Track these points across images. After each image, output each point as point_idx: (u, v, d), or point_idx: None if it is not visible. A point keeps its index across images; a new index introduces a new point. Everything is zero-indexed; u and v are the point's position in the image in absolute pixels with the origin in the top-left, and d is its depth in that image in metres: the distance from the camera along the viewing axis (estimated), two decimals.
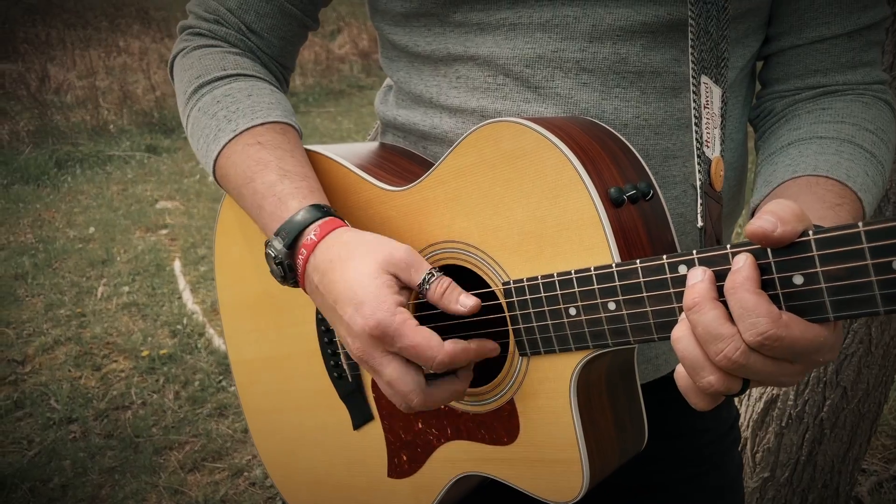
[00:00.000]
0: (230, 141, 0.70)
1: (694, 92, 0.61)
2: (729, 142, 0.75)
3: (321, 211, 0.64)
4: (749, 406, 1.46)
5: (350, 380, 0.76)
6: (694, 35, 0.62)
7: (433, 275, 0.60)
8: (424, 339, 0.58)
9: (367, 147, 0.79)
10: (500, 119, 0.61)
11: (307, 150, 0.74)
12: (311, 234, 0.63)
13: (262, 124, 0.71)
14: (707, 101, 0.62)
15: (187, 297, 3.26)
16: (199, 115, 0.73)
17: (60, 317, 3.14)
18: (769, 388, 1.43)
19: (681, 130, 0.71)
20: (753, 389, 1.48)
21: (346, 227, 0.64)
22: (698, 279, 0.48)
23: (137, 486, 2.15)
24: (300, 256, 0.64)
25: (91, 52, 8.13)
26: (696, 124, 0.61)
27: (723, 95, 0.64)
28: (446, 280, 0.61)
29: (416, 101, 0.77)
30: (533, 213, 0.60)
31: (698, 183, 0.62)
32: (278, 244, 0.64)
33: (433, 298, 0.60)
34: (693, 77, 0.62)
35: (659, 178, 0.71)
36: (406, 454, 0.73)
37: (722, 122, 0.63)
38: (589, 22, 0.66)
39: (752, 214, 0.68)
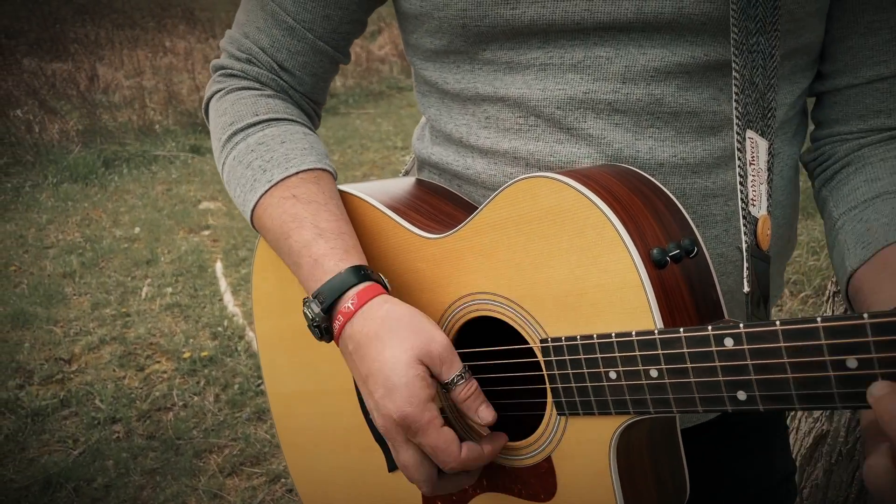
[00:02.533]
0: (265, 193, 0.70)
1: (739, 149, 0.59)
2: (777, 180, 0.72)
3: (358, 275, 0.64)
4: (797, 441, 1.42)
5: None
6: (738, 87, 0.59)
7: (462, 376, 0.61)
8: (444, 442, 0.59)
9: (403, 185, 0.79)
10: (538, 175, 0.60)
11: (342, 192, 0.74)
12: (348, 303, 0.63)
13: (297, 174, 0.71)
14: (753, 156, 0.60)
15: (228, 299, 3.31)
16: (234, 164, 0.74)
17: (106, 316, 3.22)
18: (819, 423, 1.39)
19: (720, 169, 0.68)
20: (802, 423, 1.43)
21: (384, 294, 0.64)
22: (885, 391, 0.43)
23: (178, 488, 2.19)
24: (337, 322, 0.64)
25: (138, 52, 8.31)
26: (741, 183, 0.59)
27: (769, 148, 0.61)
28: (473, 384, 0.61)
29: (449, 139, 0.76)
30: (572, 272, 0.58)
31: (744, 245, 0.59)
32: (315, 307, 0.64)
33: (456, 399, 0.62)
34: (738, 133, 0.59)
35: (698, 217, 0.68)
36: (441, 502, 0.72)
37: (769, 176, 0.61)
38: (622, 63, 0.65)
39: (849, 280, 0.64)
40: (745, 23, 0.60)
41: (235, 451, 2.35)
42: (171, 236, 4.06)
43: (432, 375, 0.61)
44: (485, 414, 0.61)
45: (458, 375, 0.61)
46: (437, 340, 0.61)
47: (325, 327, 0.65)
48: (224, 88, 0.78)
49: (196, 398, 2.62)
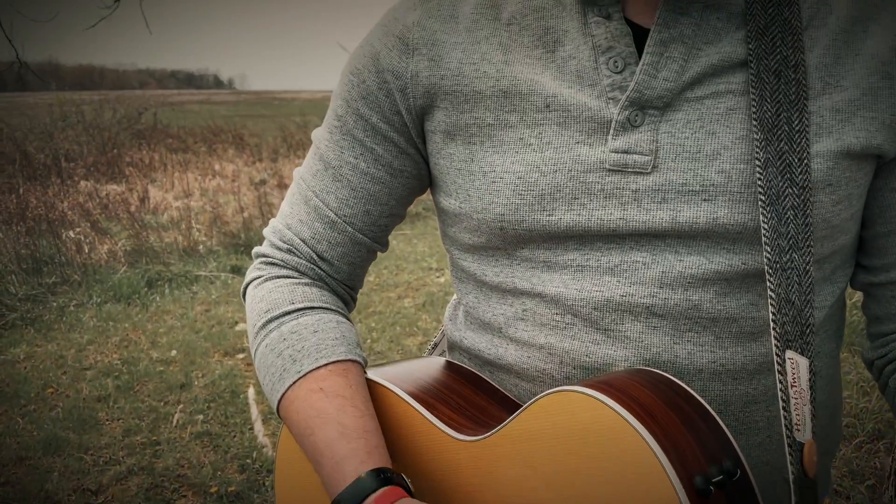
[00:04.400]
0: (294, 384, 0.70)
1: (779, 371, 0.57)
2: (818, 380, 0.69)
3: (378, 479, 0.62)
4: None
5: None
6: (775, 307, 0.58)
7: None
8: None
9: (433, 371, 0.78)
10: (574, 389, 0.58)
11: (370, 382, 0.73)
12: None
13: (326, 365, 0.71)
14: (794, 378, 0.58)
15: (258, 428, 3.27)
16: (266, 352, 0.74)
17: (136, 444, 3.19)
18: None
19: (762, 374, 0.66)
20: None
21: (405, 498, 0.62)
22: None
23: None
24: None
25: (188, 175, 8.74)
26: (783, 408, 0.57)
27: (810, 365, 0.59)
28: None
29: (484, 327, 0.75)
30: (613, 493, 0.55)
31: (791, 476, 0.56)
32: None
33: None
34: (777, 354, 0.58)
35: (740, 425, 0.66)
36: None
37: (811, 395, 0.58)
38: (658, 269, 0.64)
39: None
40: (777, 241, 0.59)
41: None
42: (207, 359, 4.09)
43: None
44: None
45: None
46: None
47: None
48: (263, 276, 0.79)
49: None
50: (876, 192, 0.67)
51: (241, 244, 6.25)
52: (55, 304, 5.00)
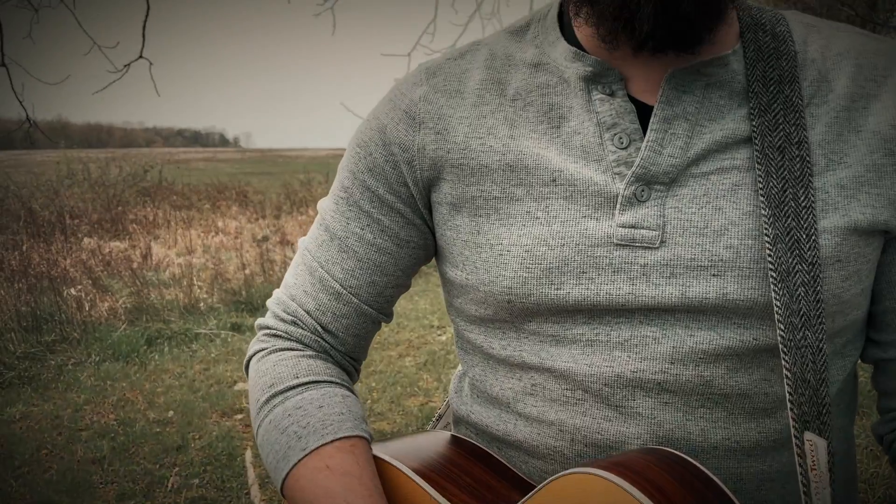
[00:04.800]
0: (299, 462, 0.69)
1: (798, 454, 0.56)
2: (836, 467, 0.67)
3: None
4: None
5: None
6: (791, 387, 0.57)
7: None
8: None
9: (439, 447, 0.76)
10: (590, 471, 0.57)
11: (377, 459, 0.71)
12: None
13: (332, 442, 0.69)
14: (813, 461, 0.56)
15: (255, 493, 3.18)
16: (269, 429, 0.73)
17: None
18: None
19: (776, 451, 0.65)
20: None
21: None
22: None
23: None
24: None
25: (192, 232, 8.78)
26: (804, 492, 0.55)
27: (828, 447, 0.58)
28: None
29: (492, 401, 0.74)
30: None
31: None
32: None
33: None
34: (795, 437, 0.57)
35: None
36: None
37: (831, 477, 0.57)
38: (669, 344, 0.64)
39: None
40: (790, 318, 0.59)
41: None
42: (204, 420, 4.02)
43: None
44: None
45: None
46: None
47: None
48: (267, 349, 0.78)
49: None
50: (884, 267, 0.66)
51: (242, 301, 6.23)
52: (53, 362, 4.95)
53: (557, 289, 0.65)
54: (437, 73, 0.74)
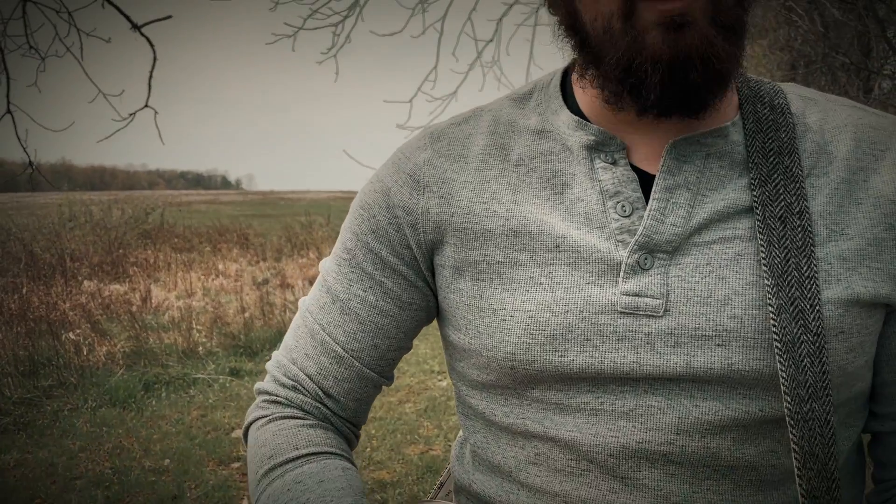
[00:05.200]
0: None
1: None
2: None
3: None
4: None
5: None
6: (799, 461, 0.57)
7: None
8: None
9: None
10: None
11: None
12: None
13: None
14: None
15: None
16: (268, 503, 0.71)
17: None
18: None
19: None
20: None
21: None
22: None
23: None
24: None
25: (192, 274, 8.77)
26: None
27: None
28: None
29: (494, 470, 0.72)
30: None
31: None
32: None
33: None
34: None
35: None
36: None
37: None
38: (675, 414, 0.63)
39: None
40: (796, 390, 0.58)
41: None
42: (201, 468, 3.95)
43: None
44: None
45: None
46: None
47: None
48: (266, 416, 0.77)
49: None
50: (885, 340, 0.66)
51: (241, 346, 6.19)
52: (49, 408, 4.89)
53: (562, 356, 0.65)
54: (441, 138, 0.75)
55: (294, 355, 0.78)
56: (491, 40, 4.13)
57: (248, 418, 0.80)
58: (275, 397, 0.78)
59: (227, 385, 5.40)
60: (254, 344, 6.20)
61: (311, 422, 0.76)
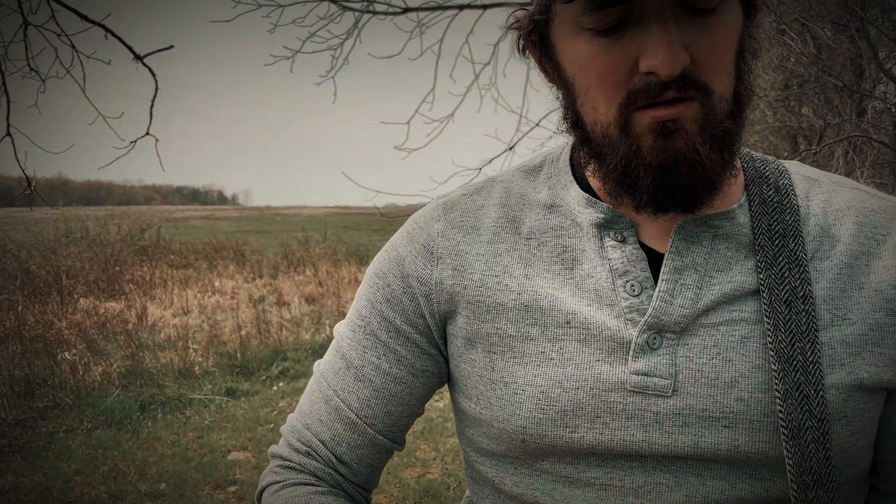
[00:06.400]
0: None
1: None
2: None
3: None
4: None
5: None
6: None
7: None
8: None
9: None
10: None
11: None
12: None
13: None
14: None
15: None
16: None
17: None
18: None
19: None
20: None
21: None
22: None
23: None
24: None
25: (188, 292, 8.75)
26: None
27: None
28: None
29: None
30: None
31: None
32: None
33: None
34: None
35: None
36: None
37: None
38: (682, 492, 0.64)
39: None
40: (801, 477, 0.59)
41: None
42: (197, 492, 3.93)
43: None
44: None
45: None
46: None
47: None
48: (280, 482, 0.78)
49: None
50: (885, 419, 0.67)
51: (237, 365, 6.17)
52: (45, 429, 4.87)
53: (572, 431, 0.66)
54: (453, 209, 0.76)
55: (308, 420, 0.79)
56: (488, 63, 4.17)
57: (262, 482, 0.80)
58: (289, 463, 0.78)
59: (224, 406, 5.38)
60: (250, 364, 6.18)
61: (323, 489, 0.76)
